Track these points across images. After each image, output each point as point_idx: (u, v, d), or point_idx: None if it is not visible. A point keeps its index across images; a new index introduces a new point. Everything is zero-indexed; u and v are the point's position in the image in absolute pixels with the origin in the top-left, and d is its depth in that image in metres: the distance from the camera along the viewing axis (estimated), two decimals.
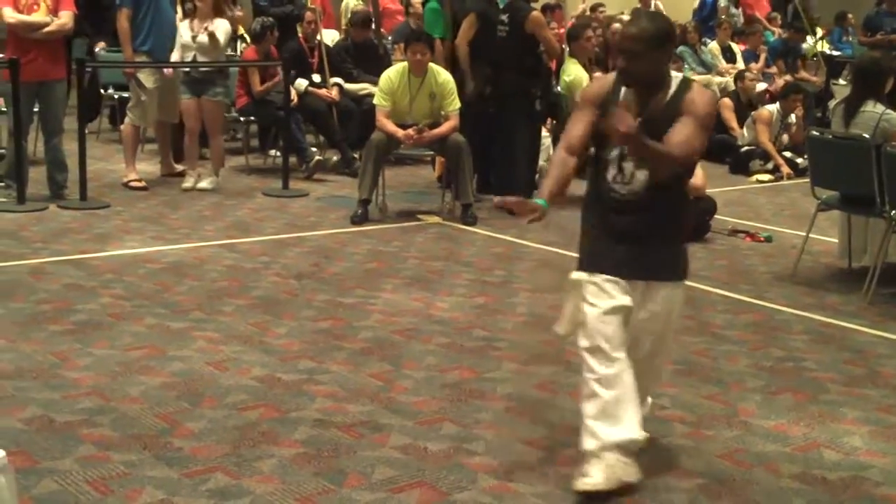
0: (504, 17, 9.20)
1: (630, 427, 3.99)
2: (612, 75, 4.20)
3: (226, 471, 4.09)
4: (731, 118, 12.07)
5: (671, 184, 4.07)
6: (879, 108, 6.95)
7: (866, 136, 6.81)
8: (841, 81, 15.14)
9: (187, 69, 9.53)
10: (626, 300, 4.07)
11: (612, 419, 3.98)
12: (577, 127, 4.15)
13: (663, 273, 4.16)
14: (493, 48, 9.24)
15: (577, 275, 4.19)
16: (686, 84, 4.07)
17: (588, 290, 4.10)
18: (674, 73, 4.11)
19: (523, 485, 4.09)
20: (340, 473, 4.11)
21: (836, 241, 7.84)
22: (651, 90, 4.03)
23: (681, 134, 3.94)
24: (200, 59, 9.48)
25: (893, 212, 6.73)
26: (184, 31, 9.52)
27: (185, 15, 9.77)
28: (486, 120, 9.41)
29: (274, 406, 4.75)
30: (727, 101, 12.29)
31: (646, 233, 4.10)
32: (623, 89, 4.10)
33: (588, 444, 4.01)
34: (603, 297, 4.07)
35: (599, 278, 4.09)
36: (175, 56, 9.57)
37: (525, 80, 9.23)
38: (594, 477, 3.95)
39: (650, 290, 4.14)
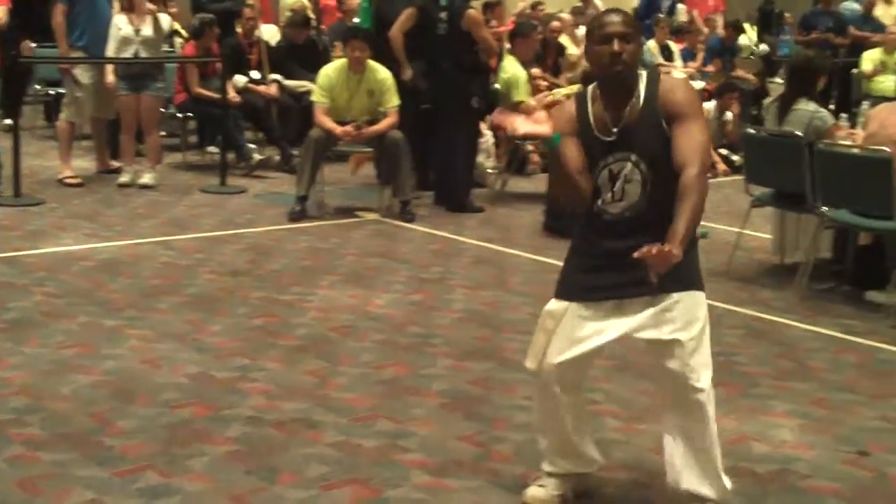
0: (443, 15, 9.21)
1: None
2: (568, 102, 3.84)
3: (157, 469, 4.06)
4: None
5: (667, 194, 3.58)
6: (812, 106, 7.03)
7: (799, 133, 6.90)
8: (777, 80, 15.33)
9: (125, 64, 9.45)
10: (597, 342, 3.76)
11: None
12: (571, 150, 3.71)
13: (675, 283, 3.63)
14: (432, 45, 9.25)
15: (554, 305, 3.82)
16: (654, 76, 3.70)
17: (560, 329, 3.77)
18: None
19: (456, 480, 4.10)
20: (273, 471, 4.09)
21: (770, 237, 7.94)
22: (622, 92, 3.64)
23: (691, 141, 3.54)
24: (142, 54, 9.41)
25: (825, 208, 6.82)
26: (122, 25, 9.42)
27: (123, 9, 9.67)
28: (423, 117, 9.42)
29: (207, 404, 4.72)
30: None
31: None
32: (590, 105, 3.72)
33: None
34: (572, 343, 3.75)
35: (579, 312, 3.74)
36: (111, 51, 9.48)
37: (463, 77, 9.24)
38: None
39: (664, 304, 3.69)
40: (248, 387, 4.95)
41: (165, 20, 9.54)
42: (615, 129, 3.64)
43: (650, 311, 3.69)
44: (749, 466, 4.33)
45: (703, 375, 3.73)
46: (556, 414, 3.86)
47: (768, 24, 19.20)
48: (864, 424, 4.82)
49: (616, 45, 3.58)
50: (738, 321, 6.33)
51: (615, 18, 3.63)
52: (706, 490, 3.74)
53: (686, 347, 3.69)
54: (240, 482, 4.00)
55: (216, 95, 10.09)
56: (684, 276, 3.66)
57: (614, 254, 3.65)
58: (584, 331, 3.73)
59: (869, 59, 13.10)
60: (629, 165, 3.63)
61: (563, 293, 3.81)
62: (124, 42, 9.39)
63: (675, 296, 3.67)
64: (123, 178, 9.56)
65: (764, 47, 16.50)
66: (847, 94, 14.35)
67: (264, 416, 4.62)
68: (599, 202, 3.70)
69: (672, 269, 3.40)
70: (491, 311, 6.31)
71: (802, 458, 4.44)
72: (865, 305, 6.67)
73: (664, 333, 3.69)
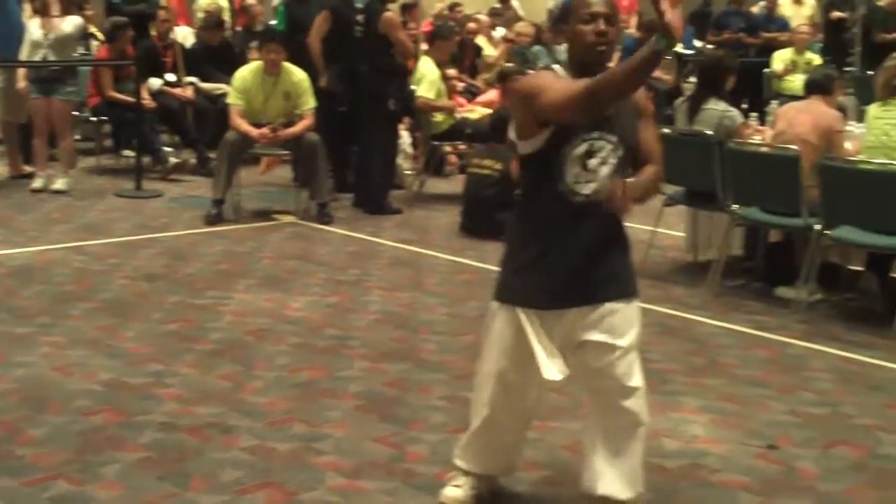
0: (360, 18, 9.20)
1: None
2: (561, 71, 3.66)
3: (68, 478, 4.02)
4: None
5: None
6: (722, 105, 7.15)
7: (709, 132, 7.00)
8: (691, 80, 15.51)
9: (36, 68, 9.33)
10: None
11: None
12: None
13: (616, 292, 3.67)
14: (349, 47, 9.24)
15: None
16: None
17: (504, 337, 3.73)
18: None
19: (371, 482, 4.11)
20: (186, 476, 4.07)
21: (683, 234, 8.05)
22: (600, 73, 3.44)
23: (656, 138, 3.76)
24: (52, 57, 9.29)
25: (735, 206, 6.93)
26: (34, 28, 9.30)
27: (35, 12, 9.55)
28: (340, 119, 9.42)
29: (120, 410, 4.69)
30: None
31: (610, 239, 3.69)
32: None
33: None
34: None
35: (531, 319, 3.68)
36: (23, 54, 9.36)
37: (380, 79, 9.24)
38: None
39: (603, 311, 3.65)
40: (161, 392, 4.92)
41: (74, 23, 9.39)
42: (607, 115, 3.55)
43: (592, 317, 3.64)
44: (660, 462, 4.39)
45: (636, 379, 3.72)
46: (509, 415, 3.86)
47: (703, 27, 19.44)
48: (773, 419, 4.92)
49: (602, 25, 3.54)
50: (652, 319, 6.39)
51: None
52: (625, 494, 3.73)
53: (624, 353, 3.68)
54: (152, 489, 3.97)
55: (130, 99, 9.99)
56: (624, 286, 3.70)
57: (579, 242, 3.61)
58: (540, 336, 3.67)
59: (780, 59, 13.31)
60: (609, 147, 3.57)
61: (503, 296, 3.75)
62: (34, 46, 9.27)
63: (616, 305, 3.66)
64: (36, 184, 9.43)
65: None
66: (759, 94, 14.57)
67: (178, 421, 4.59)
68: (568, 179, 3.57)
69: (613, 279, 3.59)
70: (407, 313, 6.33)
71: (713, 452, 4.52)
72: (775, 301, 6.79)
73: (604, 339, 3.65)
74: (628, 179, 3.59)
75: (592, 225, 3.61)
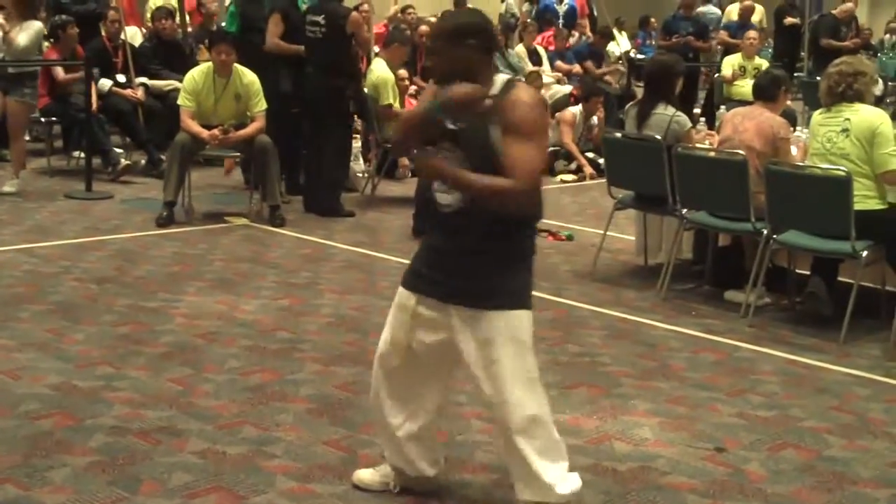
0: (318, 19, 9.16)
1: None
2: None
3: (16, 482, 3.99)
4: None
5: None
6: (670, 110, 7.20)
7: (658, 137, 7.06)
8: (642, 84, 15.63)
9: None
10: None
11: None
12: None
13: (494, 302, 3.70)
14: (307, 48, 9.20)
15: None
16: (510, 85, 3.64)
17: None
18: (501, 75, 3.72)
19: (322, 486, 4.11)
20: (135, 481, 4.05)
21: (633, 238, 8.10)
22: None
23: (520, 157, 3.54)
24: (9, 59, 9.22)
25: (685, 210, 6.99)
26: None
27: None
28: (292, 120, 9.41)
29: (69, 414, 4.65)
30: None
31: (469, 250, 3.71)
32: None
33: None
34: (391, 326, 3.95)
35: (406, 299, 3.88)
36: None
37: (339, 80, 9.23)
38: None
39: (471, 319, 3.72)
40: (111, 396, 4.89)
41: (30, 35, 9.27)
42: (458, 123, 3.61)
43: (442, 314, 3.77)
44: (611, 465, 4.42)
45: (515, 412, 3.71)
46: (390, 399, 3.96)
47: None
48: (721, 421, 4.96)
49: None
50: (602, 322, 6.45)
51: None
52: (550, 499, 3.75)
53: (498, 376, 3.70)
54: (101, 493, 3.95)
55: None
56: (505, 297, 3.70)
57: (440, 251, 3.77)
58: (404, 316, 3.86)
59: (729, 64, 13.43)
60: (455, 161, 3.60)
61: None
62: None
63: (494, 314, 3.68)
64: None
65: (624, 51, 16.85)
66: (710, 98, 14.73)
67: (128, 425, 4.57)
68: (434, 186, 3.71)
69: (492, 287, 3.63)
70: (359, 316, 6.33)
71: (662, 455, 4.56)
72: (724, 305, 6.85)
73: (477, 356, 3.71)
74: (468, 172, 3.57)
75: (459, 235, 3.69)
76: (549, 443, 3.75)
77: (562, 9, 17.14)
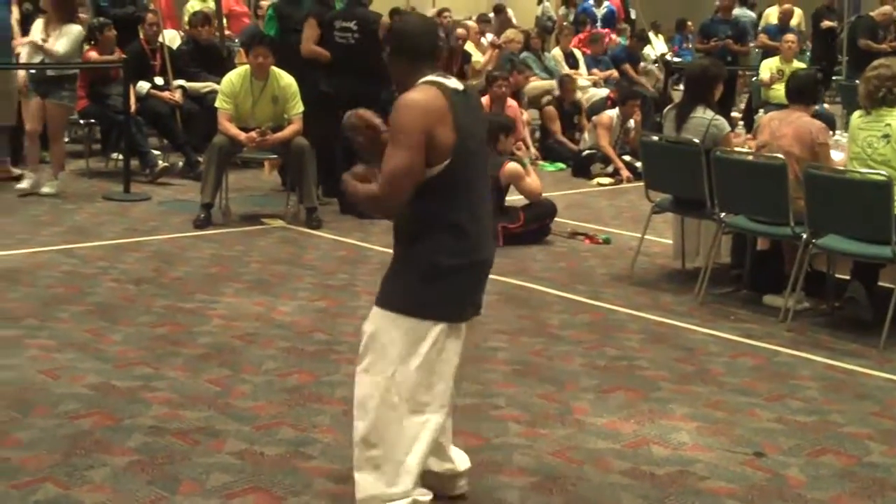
0: (350, 24, 9.17)
1: None
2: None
3: (56, 481, 4.02)
4: (554, 125, 12.46)
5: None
6: (709, 113, 7.16)
7: (696, 140, 7.02)
8: (681, 87, 15.55)
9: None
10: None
11: None
12: None
13: (380, 295, 3.84)
14: (344, 54, 9.19)
15: None
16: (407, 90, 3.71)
17: None
18: (430, 78, 3.69)
19: None
20: (174, 481, 4.07)
21: (671, 242, 8.06)
22: None
23: (385, 160, 3.63)
24: (48, 62, 9.28)
25: (723, 214, 6.95)
26: (35, 32, 9.32)
27: (22, 15, 9.53)
28: (329, 123, 9.40)
29: (108, 414, 4.68)
30: (550, 109, 12.69)
31: (398, 255, 3.87)
32: None
33: None
34: None
35: None
36: (24, 56, 9.37)
37: (373, 85, 9.24)
38: None
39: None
40: (149, 396, 4.91)
41: (70, 39, 9.34)
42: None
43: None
44: (650, 469, 4.40)
45: (362, 427, 3.82)
46: None
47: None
48: (760, 426, 4.93)
49: None
50: (640, 326, 6.42)
51: None
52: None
53: (358, 374, 3.87)
54: (140, 492, 3.97)
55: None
56: (383, 296, 3.83)
57: None
58: None
59: (767, 68, 13.35)
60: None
61: None
62: (36, 49, 9.24)
63: (374, 310, 3.85)
64: (23, 184, 9.41)
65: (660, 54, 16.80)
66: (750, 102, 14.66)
67: (166, 425, 4.59)
68: None
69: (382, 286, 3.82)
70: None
71: (700, 459, 4.53)
72: (763, 309, 6.80)
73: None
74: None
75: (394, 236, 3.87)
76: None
77: (600, 12, 17.10)
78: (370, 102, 9.16)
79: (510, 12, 17.17)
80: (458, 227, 3.69)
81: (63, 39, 9.23)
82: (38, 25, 9.40)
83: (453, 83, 3.70)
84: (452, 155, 3.62)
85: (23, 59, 9.43)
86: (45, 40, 9.19)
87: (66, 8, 9.43)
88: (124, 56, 10.43)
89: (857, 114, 6.70)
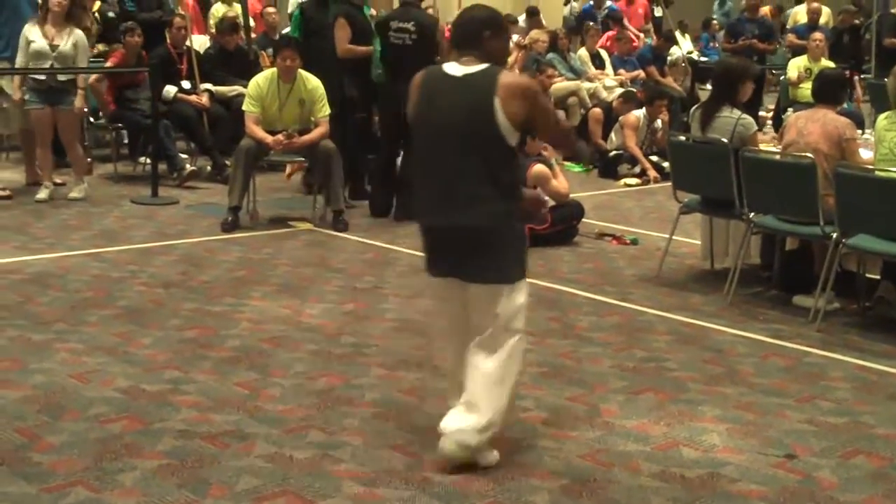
0: (408, 26, 9.15)
1: None
2: None
3: (86, 485, 4.03)
4: (596, 129, 12.35)
5: None
6: (736, 113, 7.12)
7: (724, 140, 6.99)
8: (708, 87, 15.48)
9: (42, 77, 9.25)
10: None
11: None
12: None
13: None
14: (397, 55, 9.15)
15: None
16: None
17: None
18: None
19: (388, 490, 4.11)
20: (204, 484, 4.08)
21: (699, 242, 8.03)
22: None
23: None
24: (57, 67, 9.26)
25: (752, 214, 6.91)
26: (36, 37, 9.19)
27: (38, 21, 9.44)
28: (356, 126, 9.44)
29: (137, 417, 4.70)
30: (597, 111, 12.58)
31: None
32: None
33: None
34: None
35: None
36: (20, 62, 9.29)
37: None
38: None
39: None
40: (178, 399, 4.93)
41: (75, 41, 9.28)
42: None
43: None
44: (679, 471, 4.38)
45: None
46: None
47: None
48: (791, 427, 4.90)
49: None
50: (668, 327, 6.39)
51: None
52: None
53: None
54: (170, 496, 3.98)
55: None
56: None
57: None
58: None
59: (794, 67, 13.27)
60: None
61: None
62: (39, 56, 9.19)
63: None
64: (41, 195, 9.35)
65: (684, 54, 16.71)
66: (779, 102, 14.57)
67: (195, 428, 4.60)
68: None
69: None
70: (423, 320, 6.31)
71: (731, 462, 4.50)
72: (793, 310, 6.76)
73: None
74: None
75: None
76: None
77: (601, 14, 17.01)
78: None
79: (540, 15, 17.12)
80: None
81: (78, 44, 9.23)
82: (34, 32, 9.20)
83: None
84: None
85: (18, 66, 9.31)
86: (54, 46, 9.16)
87: (72, 10, 9.41)
88: (149, 61, 10.46)
89: (882, 115, 6.66)
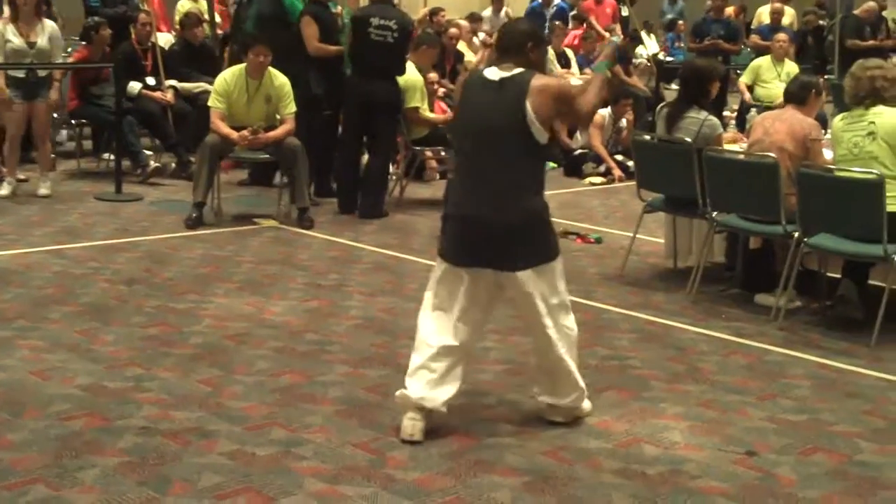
0: (391, 24, 9.13)
1: None
2: None
3: (46, 482, 4.01)
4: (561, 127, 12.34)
5: None
6: (702, 114, 7.16)
7: (688, 140, 7.02)
8: (673, 86, 15.55)
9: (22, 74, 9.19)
10: None
11: None
12: None
13: None
14: (371, 52, 9.17)
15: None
16: None
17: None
18: None
19: (351, 487, 4.11)
20: (165, 481, 4.07)
21: (663, 241, 8.06)
22: None
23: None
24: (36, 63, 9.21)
25: (715, 213, 6.95)
26: (11, 36, 9.10)
27: (12, 20, 9.35)
28: (322, 123, 9.42)
29: (99, 415, 4.67)
30: None
31: None
32: None
33: None
34: None
35: None
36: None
37: (397, 85, 9.28)
38: None
39: None
40: (140, 397, 4.91)
41: (51, 32, 9.24)
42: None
43: None
44: (641, 468, 4.40)
45: None
46: None
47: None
48: (751, 425, 4.93)
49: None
50: (632, 325, 6.42)
51: None
52: None
53: None
54: (131, 493, 3.96)
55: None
56: None
57: None
58: None
59: (752, 70, 13.32)
60: None
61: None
62: (15, 55, 9.11)
63: None
64: (3, 191, 9.29)
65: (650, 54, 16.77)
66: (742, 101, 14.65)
67: (157, 425, 4.58)
68: None
69: None
70: (388, 318, 6.33)
71: (692, 459, 4.53)
72: (755, 308, 6.80)
73: None
74: None
75: None
76: None
77: (549, 12, 16.99)
78: (398, 101, 9.23)
79: (509, 11, 17.09)
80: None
81: (53, 38, 9.19)
82: (10, 30, 9.09)
83: None
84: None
85: None
86: (31, 43, 9.10)
87: (39, 4, 9.35)
88: (114, 57, 10.40)
89: (838, 116, 6.73)
